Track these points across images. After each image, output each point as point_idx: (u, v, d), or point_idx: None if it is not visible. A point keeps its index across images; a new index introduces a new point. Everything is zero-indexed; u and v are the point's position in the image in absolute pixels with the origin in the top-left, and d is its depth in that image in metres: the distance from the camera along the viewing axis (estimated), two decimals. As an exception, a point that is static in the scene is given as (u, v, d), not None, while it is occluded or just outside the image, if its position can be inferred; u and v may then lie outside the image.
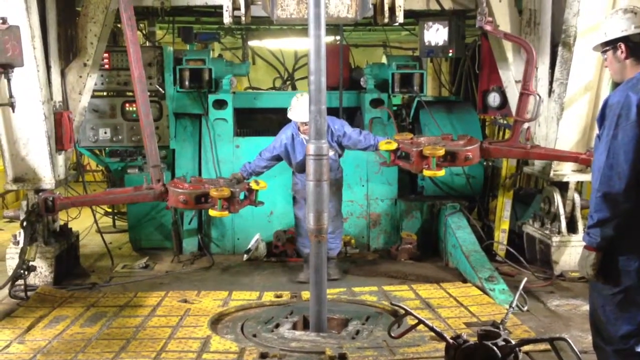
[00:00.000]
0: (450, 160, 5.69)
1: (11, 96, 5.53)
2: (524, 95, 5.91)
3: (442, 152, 5.48)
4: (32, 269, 6.06)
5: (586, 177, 6.71)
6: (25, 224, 6.16)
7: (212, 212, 6.01)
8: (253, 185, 6.29)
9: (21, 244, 6.11)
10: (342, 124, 6.62)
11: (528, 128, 5.86)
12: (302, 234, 6.59)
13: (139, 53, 6.00)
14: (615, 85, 4.18)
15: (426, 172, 5.61)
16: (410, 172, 8.15)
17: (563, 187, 6.79)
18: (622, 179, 3.34)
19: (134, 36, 5.96)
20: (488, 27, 5.98)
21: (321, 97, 4.77)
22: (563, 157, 6.34)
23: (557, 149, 6.42)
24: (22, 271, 5.94)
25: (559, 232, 6.72)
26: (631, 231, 3.41)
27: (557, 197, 6.76)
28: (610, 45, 3.61)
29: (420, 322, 3.48)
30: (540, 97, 5.76)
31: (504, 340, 3.21)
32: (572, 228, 6.75)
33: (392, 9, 5.31)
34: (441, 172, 5.59)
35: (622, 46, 3.56)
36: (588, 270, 3.51)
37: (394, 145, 5.85)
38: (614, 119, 3.40)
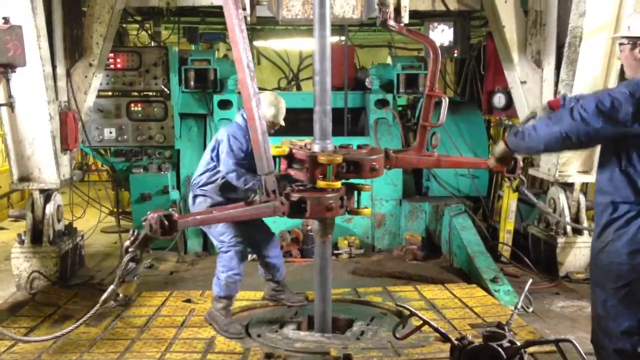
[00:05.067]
0: (353, 171, 4.70)
1: (10, 96, 5.50)
2: (429, 97, 5.25)
3: (340, 159, 4.58)
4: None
5: (591, 179, 6.70)
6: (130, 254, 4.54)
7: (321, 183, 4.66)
8: None
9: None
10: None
11: (434, 134, 5.27)
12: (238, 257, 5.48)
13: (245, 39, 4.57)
14: None
15: (320, 183, 4.58)
16: (415, 173, 8.17)
17: (568, 188, 6.78)
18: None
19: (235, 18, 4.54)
20: (390, 22, 5.09)
21: (326, 98, 4.77)
22: (476, 164, 6.07)
23: (468, 157, 5.98)
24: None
25: (564, 233, 6.70)
26: None
27: (562, 198, 6.75)
28: (631, 41, 3.56)
29: (425, 323, 3.47)
30: (447, 99, 5.26)
31: (509, 341, 3.20)
32: (577, 229, 6.74)
33: (397, 10, 5.27)
34: (337, 184, 4.64)
35: None
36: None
37: (285, 150, 4.79)
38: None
